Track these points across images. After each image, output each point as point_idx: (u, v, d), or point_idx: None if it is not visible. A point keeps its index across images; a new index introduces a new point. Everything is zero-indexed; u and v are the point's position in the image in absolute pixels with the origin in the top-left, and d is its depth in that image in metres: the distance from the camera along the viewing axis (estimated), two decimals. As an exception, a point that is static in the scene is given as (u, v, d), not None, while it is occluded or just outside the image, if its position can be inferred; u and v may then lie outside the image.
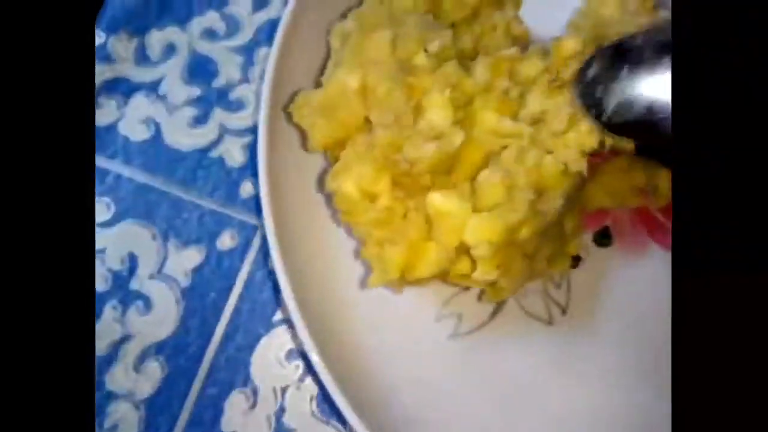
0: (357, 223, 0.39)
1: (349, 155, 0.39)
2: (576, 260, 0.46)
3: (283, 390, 0.45)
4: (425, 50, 0.41)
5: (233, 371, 0.46)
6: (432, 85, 0.40)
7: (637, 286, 0.45)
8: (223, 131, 0.51)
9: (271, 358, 0.46)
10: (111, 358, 0.46)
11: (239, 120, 0.51)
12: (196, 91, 0.51)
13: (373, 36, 0.41)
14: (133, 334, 0.46)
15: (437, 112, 0.40)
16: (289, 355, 0.46)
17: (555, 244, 0.43)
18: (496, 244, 0.36)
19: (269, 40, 0.52)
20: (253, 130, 0.51)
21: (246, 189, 0.50)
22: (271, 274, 0.48)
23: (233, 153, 0.50)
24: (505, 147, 0.40)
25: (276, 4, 0.54)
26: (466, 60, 0.43)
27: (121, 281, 0.47)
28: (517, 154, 0.39)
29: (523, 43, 0.47)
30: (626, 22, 0.43)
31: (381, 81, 0.40)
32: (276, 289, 0.47)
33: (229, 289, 0.47)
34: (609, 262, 0.46)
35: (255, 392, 0.45)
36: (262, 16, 0.53)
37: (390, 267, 0.38)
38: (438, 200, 0.38)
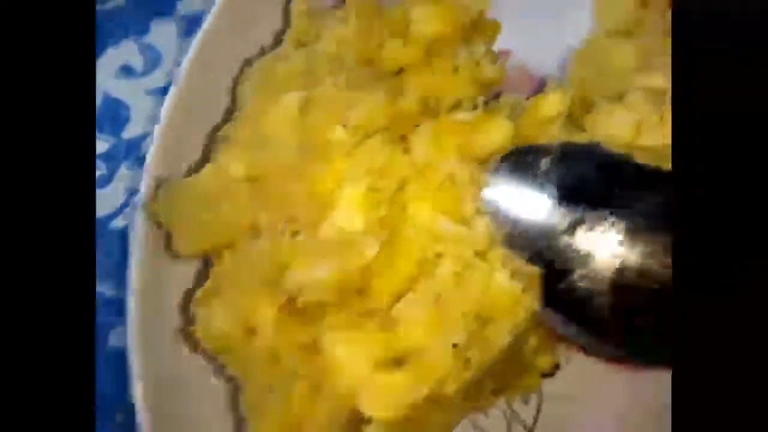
0: (231, 362, 0.29)
1: (223, 272, 0.29)
2: (553, 368, 0.35)
3: None
4: (343, 124, 0.30)
5: None
6: (348, 171, 0.30)
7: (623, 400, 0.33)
8: (131, 195, 0.42)
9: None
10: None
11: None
12: (102, 145, 0.43)
13: (278, 100, 0.31)
14: None
15: (347, 213, 0.29)
16: None
17: (513, 368, 0.32)
18: (397, 423, 0.25)
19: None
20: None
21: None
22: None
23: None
24: (440, 255, 0.29)
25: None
26: (407, 126, 0.32)
27: None
28: (455, 270, 0.28)
29: (496, 89, 0.35)
30: (624, 77, 0.31)
31: (277, 168, 0.30)
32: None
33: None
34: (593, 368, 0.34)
35: None
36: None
37: (270, 425, 0.28)
38: (332, 346, 0.27)
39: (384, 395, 0.26)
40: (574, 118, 0.32)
